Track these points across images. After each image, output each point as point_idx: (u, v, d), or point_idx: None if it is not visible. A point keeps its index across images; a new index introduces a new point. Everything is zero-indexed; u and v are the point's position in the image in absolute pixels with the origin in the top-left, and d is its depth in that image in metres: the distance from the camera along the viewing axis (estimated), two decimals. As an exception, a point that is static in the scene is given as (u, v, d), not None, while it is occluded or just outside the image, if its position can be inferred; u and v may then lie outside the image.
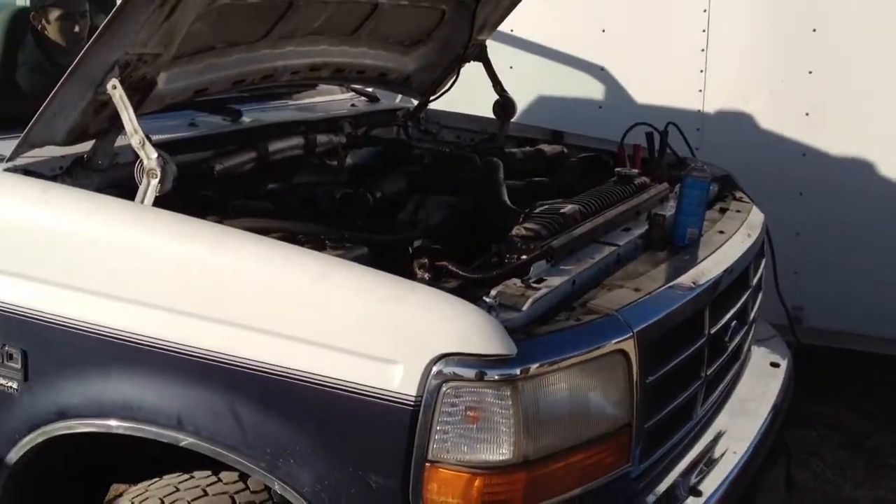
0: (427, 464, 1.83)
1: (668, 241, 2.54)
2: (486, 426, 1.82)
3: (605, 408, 1.99)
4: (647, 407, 2.08)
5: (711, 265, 2.44)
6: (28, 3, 4.64)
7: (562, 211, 2.39)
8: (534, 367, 1.84)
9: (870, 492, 3.93)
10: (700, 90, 4.43)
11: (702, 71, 4.41)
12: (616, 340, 1.98)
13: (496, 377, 1.80)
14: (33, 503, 2.29)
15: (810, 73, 4.22)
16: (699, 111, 4.44)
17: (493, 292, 1.98)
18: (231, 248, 1.98)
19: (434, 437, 1.82)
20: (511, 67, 4.65)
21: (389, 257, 2.24)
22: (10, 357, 2.15)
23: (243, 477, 2.09)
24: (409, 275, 2.12)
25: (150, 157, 2.15)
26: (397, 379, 1.82)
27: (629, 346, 1.99)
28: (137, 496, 2.12)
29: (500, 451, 1.82)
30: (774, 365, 2.97)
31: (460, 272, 2.12)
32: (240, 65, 2.73)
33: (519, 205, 2.63)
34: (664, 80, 4.48)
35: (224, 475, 2.12)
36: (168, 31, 2.20)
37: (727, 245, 2.63)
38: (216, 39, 2.57)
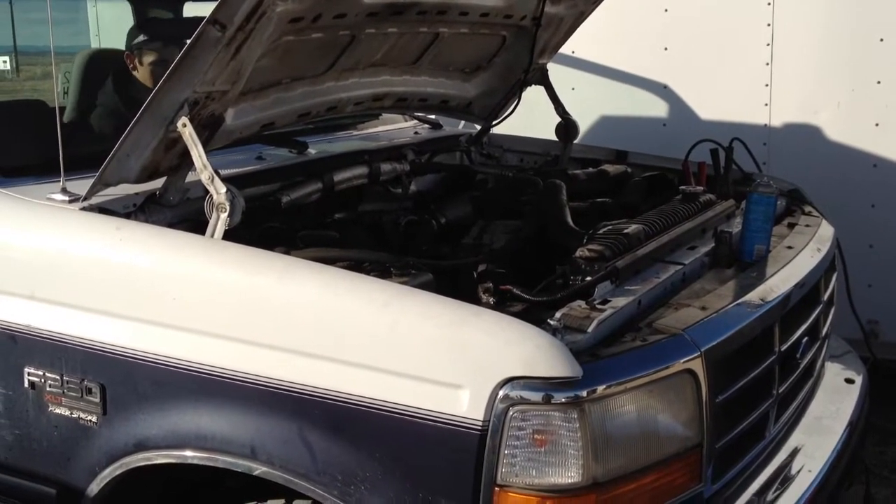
0: (496, 488, 1.83)
1: (734, 259, 2.52)
2: (554, 449, 1.82)
3: (675, 428, 1.97)
4: (718, 426, 2.06)
5: (779, 281, 2.41)
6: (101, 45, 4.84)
7: (625, 231, 2.39)
8: (600, 388, 1.84)
9: (956, 510, 3.82)
10: (766, 104, 4.38)
11: (767, 85, 4.36)
12: (683, 360, 1.97)
13: (563, 400, 1.81)
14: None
15: (879, 83, 4.15)
16: (766, 125, 4.39)
17: (557, 315, 1.98)
18: (297, 278, 2.02)
19: (502, 461, 1.82)
20: (573, 89, 4.67)
21: (455, 283, 2.26)
22: (90, 391, 2.21)
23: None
24: (474, 299, 2.14)
25: (219, 191, 2.21)
26: (464, 404, 1.83)
27: (697, 366, 1.98)
28: (213, 525, 2.18)
29: (569, 474, 1.82)
30: (849, 381, 2.91)
31: (525, 295, 2.14)
32: (305, 98, 2.79)
33: (583, 226, 2.63)
34: (729, 96, 4.45)
35: (297, 503, 2.15)
36: (235, 69, 2.27)
37: (796, 260, 2.59)
38: (282, 74, 2.63)
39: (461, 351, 1.86)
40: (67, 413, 2.25)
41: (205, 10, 2.21)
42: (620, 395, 1.87)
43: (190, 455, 2.10)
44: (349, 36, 2.67)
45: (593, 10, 3.46)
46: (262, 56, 2.36)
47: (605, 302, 2.09)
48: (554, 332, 1.91)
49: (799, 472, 2.39)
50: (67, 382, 2.24)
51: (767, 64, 4.34)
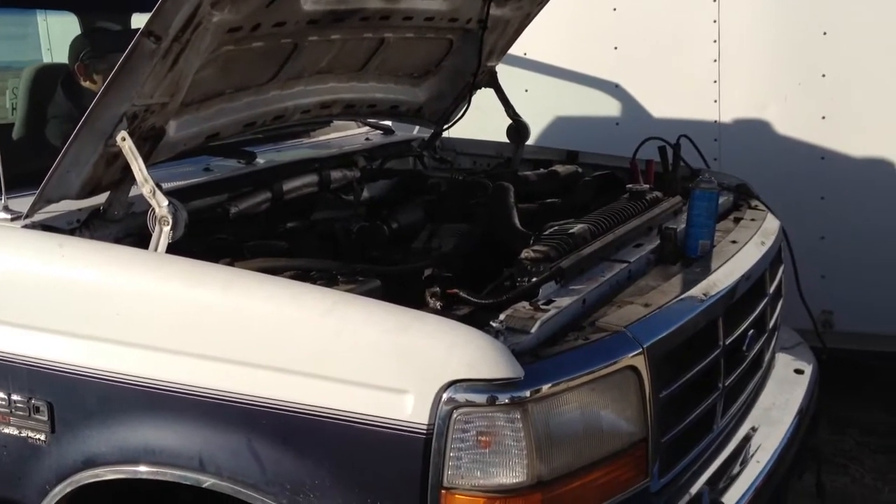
0: (443, 490, 1.85)
1: (680, 255, 2.55)
2: (499, 450, 1.84)
3: (619, 424, 2.00)
4: (663, 421, 2.09)
5: (723, 275, 2.45)
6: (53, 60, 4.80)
7: (570, 231, 2.42)
8: (543, 388, 1.86)
9: (912, 495, 3.88)
10: (715, 100, 4.43)
11: (715, 81, 4.41)
12: (626, 357, 1.99)
13: (505, 401, 1.82)
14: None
15: (824, 76, 4.21)
16: (716, 122, 4.44)
17: (501, 317, 2.00)
18: (240, 289, 2.03)
19: (448, 463, 1.84)
20: (526, 91, 4.70)
21: (403, 288, 2.27)
22: (38, 410, 2.20)
23: (269, 515, 2.12)
24: (422, 304, 2.15)
25: (160, 204, 2.20)
26: (409, 408, 1.84)
27: (639, 362, 2.01)
28: (166, 539, 2.17)
29: (514, 474, 1.84)
30: (799, 372, 2.96)
31: (471, 299, 2.15)
32: (250, 108, 2.79)
33: (533, 227, 2.66)
34: (679, 93, 4.49)
35: (251, 513, 2.15)
36: (173, 81, 2.26)
37: (740, 254, 2.63)
38: (224, 85, 2.63)
39: (404, 356, 1.87)
40: (16, 433, 2.24)
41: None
42: (563, 394, 1.89)
43: (139, 470, 2.10)
44: (291, 44, 2.68)
45: (539, 11, 3.49)
46: (202, 67, 2.36)
47: (549, 302, 2.10)
48: (497, 333, 1.92)
49: (748, 462, 2.42)
50: (14, 402, 2.22)
51: (715, 61, 4.39)
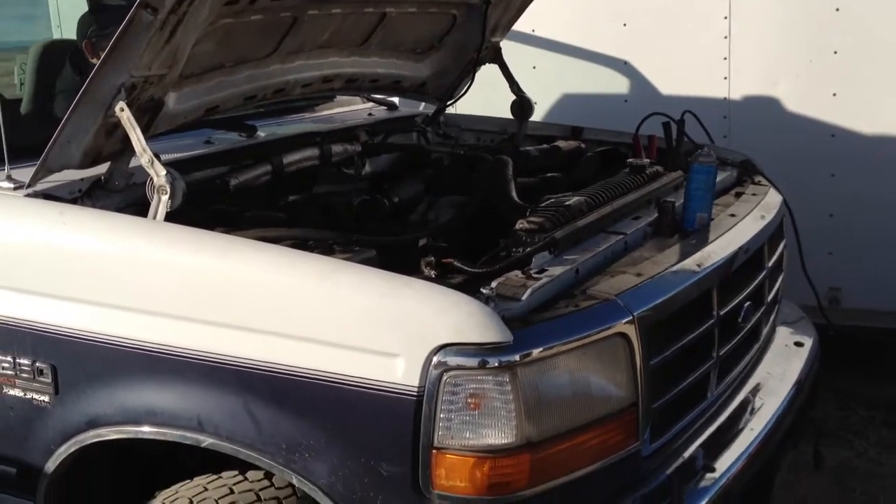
0: (434, 450, 1.89)
1: (677, 227, 2.56)
2: (488, 412, 1.87)
3: (608, 389, 2.03)
4: (654, 387, 2.11)
5: (718, 248, 2.46)
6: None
7: (566, 203, 2.44)
8: (532, 352, 1.89)
9: (911, 468, 3.90)
10: (725, 77, 4.43)
11: (726, 58, 4.40)
12: (615, 324, 2.02)
13: (494, 364, 1.86)
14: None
15: (836, 53, 4.19)
16: (725, 98, 4.44)
17: (493, 284, 2.03)
18: (237, 255, 2.07)
19: (438, 424, 1.88)
20: (534, 67, 4.72)
21: (399, 258, 2.30)
22: (41, 372, 2.26)
23: (268, 475, 2.16)
24: (417, 273, 2.18)
25: (159, 174, 2.24)
26: (400, 371, 1.88)
27: (629, 330, 2.03)
28: (168, 497, 2.21)
29: (504, 435, 1.88)
30: (798, 344, 2.97)
31: (465, 268, 2.18)
32: (250, 81, 2.82)
33: (532, 200, 2.68)
34: (689, 70, 4.49)
35: (250, 474, 2.19)
36: (171, 53, 2.29)
37: (737, 228, 2.64)
38: (224, 58, 2.66)
39: (396, 320, 1.91)
40: (21, 394, 2.30)
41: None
42: (552, 359, 1.92)
43: (140, 430, 2.15)
44: (291, 17, 2.70)
45: (544, -14, 3.50)
46: (201, 40, 2.39)
47: (542, 271, 2.13)
48: (487, 300, 1.95)
49: (742, 430, 2.45)
50: (20, 365, 2.28)
51: (725, 37, 4.38)
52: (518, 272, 2.11)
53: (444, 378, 1.86)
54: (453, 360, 1.85)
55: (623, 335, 2.02)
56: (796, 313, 3.30)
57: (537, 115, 4.66)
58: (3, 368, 2.30)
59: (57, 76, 3.43)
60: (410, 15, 3.17)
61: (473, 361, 1.85)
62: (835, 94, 4.22)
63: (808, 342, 3.02)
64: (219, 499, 2.15)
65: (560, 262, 2.20)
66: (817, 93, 4.24)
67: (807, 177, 4.26)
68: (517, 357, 1.87)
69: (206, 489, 2.19)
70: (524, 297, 1.98)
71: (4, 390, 2.32)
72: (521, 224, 2.31)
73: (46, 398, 2.27)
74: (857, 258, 4.32)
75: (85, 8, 3.93)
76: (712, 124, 4.28)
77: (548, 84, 4.73)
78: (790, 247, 3.20)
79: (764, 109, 4.35)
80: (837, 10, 4.14)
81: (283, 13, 2.65)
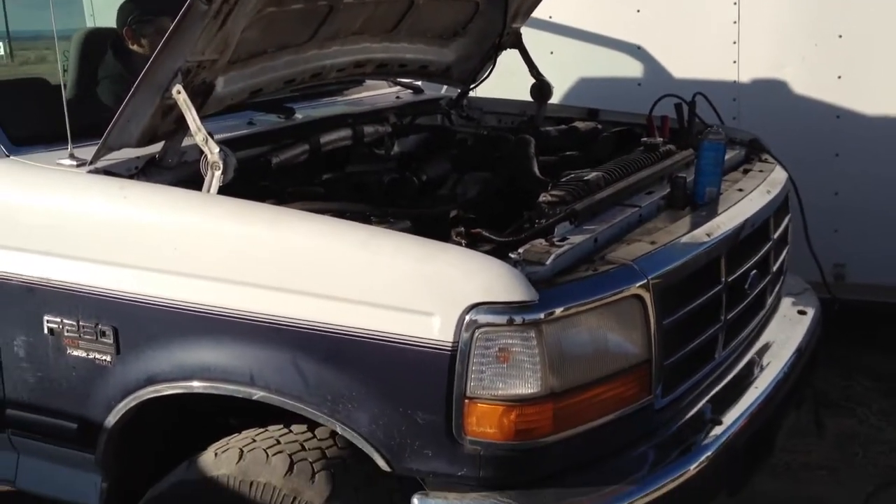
0: (466, 400, 2.08)
1: (688, 201, 2.74)
2: (516, 365, 2.06)
3: (624, 346, 2.22)
4: (666, 346, 2.30)
5: (726, 219, 2.65)
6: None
7: (585, 178, 2.62)
8: (556, 311, 2.08)
9: (911, 434, 4.08)
10: (734, 61, 4.59)
11: (735, 42, 4.56)
12: (631, 287, 2.21)
13: (522, 321, 2.05)
14: (132, 463, 2.60)
15: (840, 37, 4.35)
16: (735, 81, 4.60)
17: (520, 250, 2.22)
18: (285, 224, 2.27)
19: (471, 376, 2.07)
20: (552, 53, 4.89)
21: (431, 229, 2.49)
22: (104, 334, 2.46)
23: (311, 428, 2.36)
24: (449, 242, 2.37)
25: (213, 151, 2.44)
26: (436, 328, 2.07)
27: (644, 292, 2.22)
28: (220, 448, 2.40)
29: (530, 386, 2.07)
30: (802, 312, 3.15)
31: (493, 237, 2.36)
32: (290, 66, 3.01)
33: (553, 176, 2.86)
34: (699, 54, 4.65)
35: (294, 427, 2.39)
36: (222, 40, 2.49)
37: (744, 201, 2.82)
38: (267, 44, 2.85)
39: (431, 282, 2.10)
40: (84, 355, 2.49)
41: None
42: (574, 317, 2.11)
43: (196, 385, 2.35)
44: (327, 6, 2.89)
45: (562, -26, 3.68)
46: (247, 27, 2.58)
47: (563, 239, 2.31)
48: (515, 264, 2.14)
49: (747, 389, 2.63)
50: (83, 327, 2.47)
51: (735, 22, 4.54)
52: (542, 240, 2.29)
53: (476, 334, 2.05)
54: (484, 318, 2.04)
55: (638, 297, 2.21)
56: (801, 285, 3.48)
57: (555, 98, 4.84)
58: (68, 331, 2.50)
59: (99, 63, 3.61)
60: (437, 2, 3.35)
61: (502, 319, 2.04)
62: (840, 77, 4.38)
63: (811, 311, 3.20)
64: (267, 448, 2.34)
65: (580, 231, 2.39)
66: (823, 76, 4.41)
67: (812, 156, 4.42)
68: (542, 315, 2.06)
69: (254, 440, 2.38)
70: (548, 262, 2.17)
71: (69, 351, 2.51)
72: (543, 197, 2.49)
73: (108, 358, 2.46)
74: (862, 235, 4.49)
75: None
76: (722, 106, 4.43)
77: (565, 68, 4.89)
78: (796, 222, 3.38)
79: (771, 92, 4.52)
80: (842, -6, 4.31)
81: (320, 2, 2.84)
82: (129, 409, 2.45)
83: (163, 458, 2.54)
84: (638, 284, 2.22)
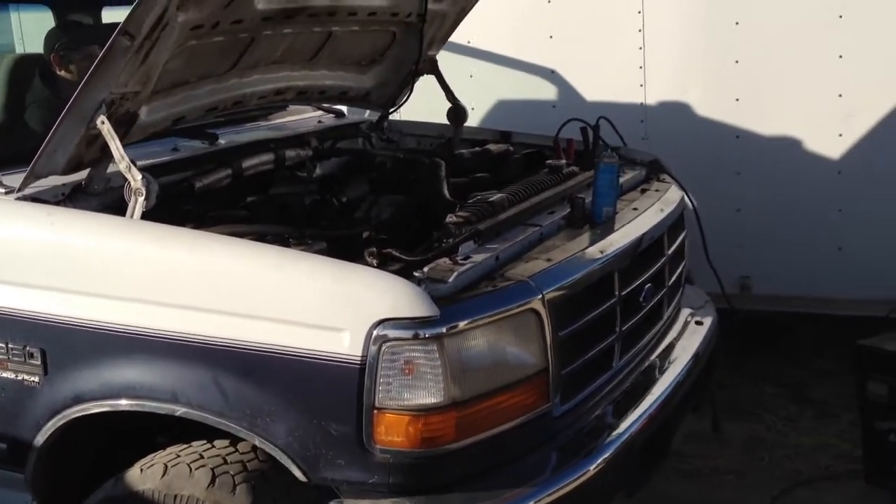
0: (375, 410, 2.23)
1: (587, 220, 2.94)
2: (420, 376, 2.22)
3: (522, 357, 2.40)
4: (563, 356, 2.48)
5: (620, 237, 2.85)
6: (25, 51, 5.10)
7: (490, 199, 2.81)
8: (456, 325, 2.25)
9: (815, 438, 4.35)
10: (641, 84, 4.85)
11: (641, 67, 4.82)
12: (527, 302, 2.39)
13: (425, 335, 2.21)
14: (61, 481, 2.67)
15: (737, 62, 4.63)
16: (642, 104, 4.86)
17: (424, 269, 2.39)
18: (204, 248, 2.40)
19: (378, 388, 2.22)
20: (471, 76, 5.11)
21: (346, 250, 2.65)
22: (32, 356, 2.55)
23: (234, 442, 2.48)
24: (361, 262, 2.53)
25: (135, 178, 2.56)
26: (346, 343, 2.22)
27: (539, 306, 2.40)
28: (145, 464, 2.51)
29: (433, 396, 2.23)
30: (699, 323, 3.37)
31: (402, 256, 2.52)
32: (212, 94, 3.14)
33: (462, 198, 3.04)
34: (609, 78, 4.91)
35: (217, 443, 2.51)
36: (145, 72, 2.62)
37: (638, 219, 3.03)
38: (189, 74, 2.98)
39: (341, 300, 2.26)
40: (13, 376, 2.58)
41: (121, 16, 2.55)
42: (473, 331, 2.28)
43: (122, 403, 2.45)
44: (248, 38, 3.03)
45: (474, 5, 3.87)
46: (170, 59, 2.71)
47: (467, 258, 2.48)
48: (419, 282, 2.31)
49: (646, 394, 2.83)
50: (12, 349, 2.57)
51: (640, 48, 4.80)
52: (446, 259, 2.47)
53: (383, 348, 2.20)
54: (391, 333, 2.20)
55: (534, 311, 2.39)
56: (702, 298, 3.70)
57: (476, 120, 5.06)
58: (-2, 353, 2.61)
59: (27, 89, 3.70)
60: (354, 33, 3.51)
61: (407, 333, 2.20)
62: (737, 100, 4.66)
63: (708, 321, 3.42)
64: (190, 462, 2.45)
65: (483, 250, 2.56)
66: (722, 99, 4.68)
67: (715, 175, 4.71)
68: (443, 329, 2.22)
69: (178, 455, 2.48)
70: (450, 280, 2.34)
71: (-2, 373, 2.62)
72: (450, 218, 2.66)
73: (36, 378, 2.55)
74: (764, 249, 4.76)
75: (48, 23, 4.22)
76: (632, 128, 4.74)
77: (484, 91, 5.12)
78: (696, 238, 3.62)
79: (676, 114, 4.78)
80: (737, 23, 4.58)
81: (241, 34, 2.98)
82: (57, 428, 2.53)
83: (93, 478, 2.62)
84: (534, 299, 2.40)
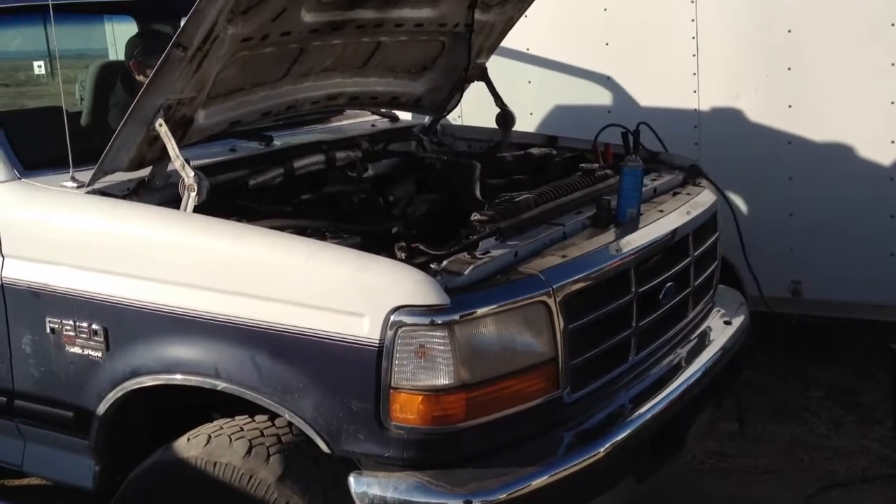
0: (391, 390, 2.44)
1: (612, 220, 3.09)
2: (432, 359, 2.42)
3: (531, 346, 2.57)
4: (574, 347, 2.65)
5: (638, 236, 2.99)
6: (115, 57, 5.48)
7: (515, 200, 2.99)
8: (466, 314, 2.44)
9: (856, 441, 4.39)
10: (695, 91, 4.94)
11: (695, 74, 4.91)
12: (536, 294, 2.56)
13: (438, 322, 2.41)
14: (121, 448, 2.97)
15: (789, 69, 4.69)
16: (695, 110, 4.94)
17: (444, 262, 2.59)
18: (245, 239, 2.66)
19: (394, 369, 2.43)
20: (530, 82, 5.28)
21: (379, 243, 2.86)
22: (96, 333, 2.85)
23: (272, 418, 2.73)
24: (390, 255, 2.75)
25: (188, 175, 2.82)
26: (366, 328, 2.44)
27: (548, 299, 2.58)
28: (192, 434, 2.77)
29: (443, 378, 2.43)
30: (727, 323, 3.47)
31: (427, 250, 2.72)
32: (266, 100, 3.40)
33: (491, 198, 3.22)
34: (663, 84, 5.01)
35: (257, 417, 2.76)
36: (199, 80, 2.89)
37: (661, 220, 3.16)
38: (243, 82, 3.24)
39: (362, 288, 2.48)
40: (80, 351, 2.88)
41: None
42: (483, 319, 2.47)
43: (172, 377, 2.72)
44: (298, 48, 3.28)
45: (521, 15, 4.04)
46: (224, 68, 2.98)
47: (486, 253, 2.67)
48: (435, 274, 2.50)
49: (661, 387, 2.94)
50: (79, 327, 2.87)
51: (694, 55, 4.89)
52: (465, 254, 2.66)
53: (399, 333, 2.41)
54: (406, 319, 2.41)
55: (543, 303, 2.57)
56: (737, 300, 3.80)
57: (534, 124, 5.23)
58: (66, 330, 2.90)
59: (111, 92, 4.03)
60: (403, 42, 3.72)
61: (422, 320, 2.41)
62: (790, 106, 4.72)
63: (738, 322, 3.51)
64: (231, 434, 2.70)
65: (503, 246, 2.74)
66: (774, 105, 4.74)
67: (767, 180, 4.78)
68: (456, 317, 2.42)
69: (221, 428, 2.75)
70: (466, 273, 2.53)
71: (67, 348, 2.91)
72: (475, 216, 2.86)
73: (99, 354, 2.85)
74: (816, 253, 4.79)
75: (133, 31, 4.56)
76: (685, 133, 4.86)
77: (542, 96, 5.29)
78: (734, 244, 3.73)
79: (729, 120, 4.85)
80: (790, 31, 4.64)
81: (291, 45, 3.23)
82: (117, 398, 2.82)
83: (151, 446, 2.87)
84: (542, 292, 2.57)
